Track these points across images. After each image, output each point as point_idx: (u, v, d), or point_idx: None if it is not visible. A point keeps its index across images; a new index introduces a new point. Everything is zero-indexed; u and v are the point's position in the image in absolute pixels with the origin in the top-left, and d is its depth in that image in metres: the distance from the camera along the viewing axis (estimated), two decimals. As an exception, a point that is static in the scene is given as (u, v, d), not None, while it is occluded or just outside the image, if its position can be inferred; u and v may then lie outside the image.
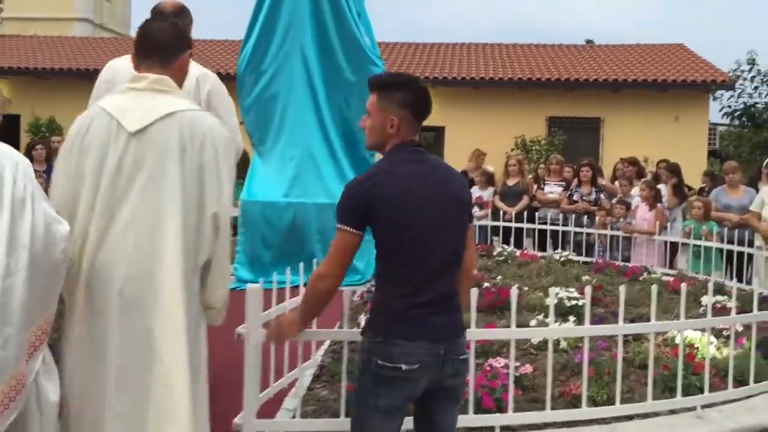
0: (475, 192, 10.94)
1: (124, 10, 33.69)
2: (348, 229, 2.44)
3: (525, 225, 9.34)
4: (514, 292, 3.68)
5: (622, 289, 3.86)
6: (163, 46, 2.65)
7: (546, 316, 5.05)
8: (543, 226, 9.38)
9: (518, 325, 5.07)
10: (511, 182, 10.42)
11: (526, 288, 6.40)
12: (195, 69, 3.53)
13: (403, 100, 2.51)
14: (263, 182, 6.51)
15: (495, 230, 10.16)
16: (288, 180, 6.38)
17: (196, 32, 4.03)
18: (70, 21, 29.55)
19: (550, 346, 3.69)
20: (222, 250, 2.61)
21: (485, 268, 7.59)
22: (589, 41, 29.13)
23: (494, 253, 8.40)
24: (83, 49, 22.11)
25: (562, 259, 8.33)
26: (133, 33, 2.50)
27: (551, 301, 5.43)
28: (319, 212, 6.30)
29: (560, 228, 9.32)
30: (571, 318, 4.98)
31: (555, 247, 9.10)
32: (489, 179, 10.89)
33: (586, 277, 6.99)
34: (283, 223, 6.31)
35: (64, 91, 17.78)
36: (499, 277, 6.62)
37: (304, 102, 6.42)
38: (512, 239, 9.46)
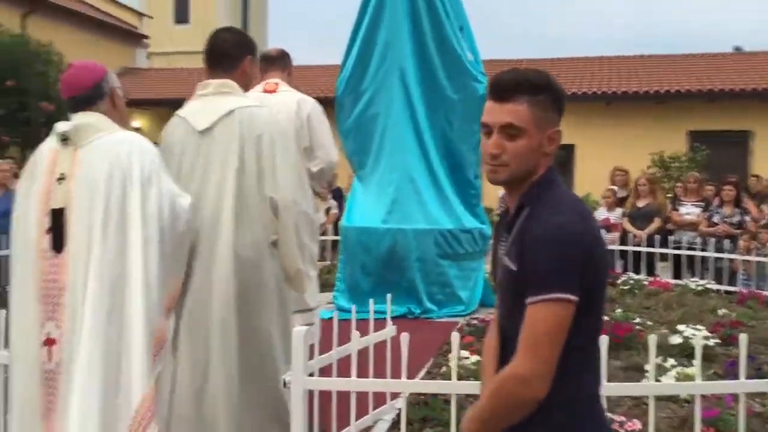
0: (602, 213, 10.22)
1: (262, 40, 35.13)
2: (566, 297, 1.60)
3: (657, 249, 8.54)
4: (652, 340, 3.05)
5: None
6: (226, 54, 3.01)
7: (666, 358, 4.43)
8: (678, 251, 8.53)
9: (631, 368, 4.54)
10: (641, 203, 9.58)
11: (650, 323, 5.73)
12: (295, 94, 4.19)
13: (558, 106, 1.73)
14: (362, 207, 6.26)
15: (624, 255, 9.41)
16: (387, 205, 6.09)
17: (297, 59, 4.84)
18: (212, 53, 31.12)
19: (652, 405, 3.01)
20: (284, 232, 2.87)
21: (607, 299, 6.93)
22: (737, 48, 27.04)
23: (619, 281, 7.68)
24: (220, 80, 23.09)
25: (698, 288, 7.50)
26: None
27: (674, 341, 4.85)
28: (419, 238, 5.96)
29: (698, 253, 8.42)
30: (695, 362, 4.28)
31: (692, 275, 8.24)
32: (618, 199, 10.13)
33: (724, 311, 6.18)
34: (381, 249, 6.02)
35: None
36: (618, 310, 5.97)
37: (403, 123, 6.13)
38: (643, 265, 8.67)
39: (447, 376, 4.12)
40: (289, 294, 3.01)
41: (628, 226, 9.53)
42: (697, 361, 3.02)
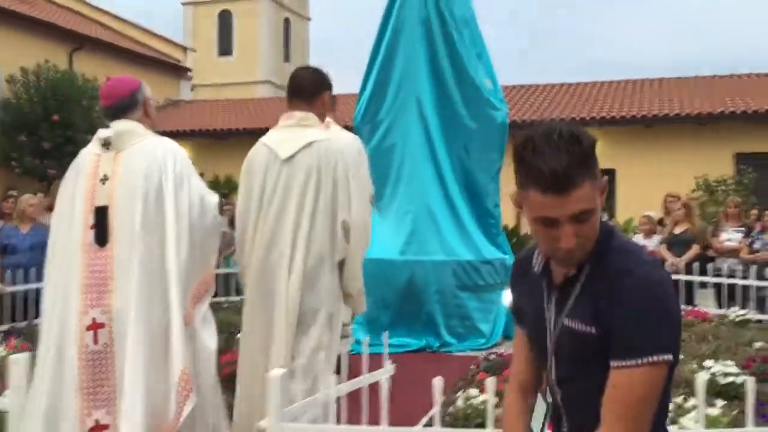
0: (639, 241, 9.93)
1: (304, 71, 35.55)
2: (665, 358, 1.44)
3: (694, 277, 8.22)
4: (701, 379, 2.84)
5: None
6: (306, 89, 3.37)
7: (687, 397, 4.20)
8: (717, 279, 8.20)
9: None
10: (678, 229, 9.26)
11: (681, 357, 5.47)
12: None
13: (594, 154, 1.55)
14: (380, 239, 6.14)
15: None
16: (404, 236, 5.99)
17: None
18: (255, 84, 31.68)
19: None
20: (354, 251, 3.27)
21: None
22: (787, 67, 26.28)
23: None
24: (261, 110, 23.42)
25: (738, 318, 7.17)
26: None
27: (702, 378, 4.59)
28: (438, 270, 5.84)
29: (737, 281, 8.08)
30: (719, 402, 4.05)
31: (733, 304, 7.90)
32: (654, 226, 9.83)
33: (761, 344, 5.87)
34: (400, 282, 5.90)
35: (241, 150, 18.76)
36: (646, 344, 5.71)
37: (420, 153, 6.04)
38: (682, 294, 8.35)
39: (455, 418, 3.97)
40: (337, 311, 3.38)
41: (666, 254, 9.23)
42: (699, 398, 2.80)
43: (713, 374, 4.48)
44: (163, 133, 3.33)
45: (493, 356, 5.06)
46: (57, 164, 17.62)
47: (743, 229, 9.05)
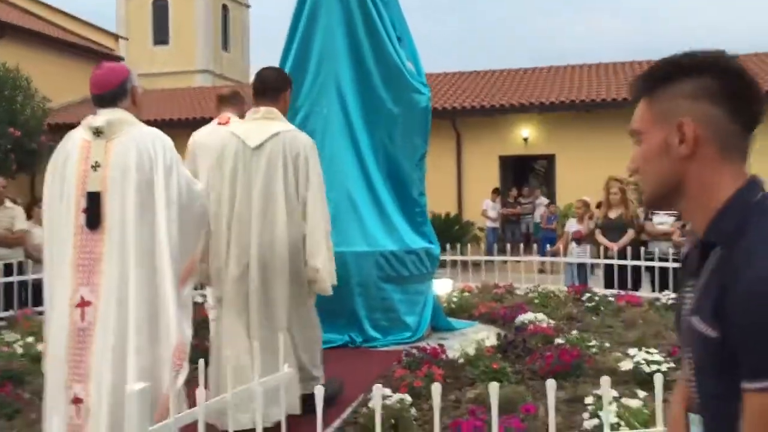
0: (573, 226, 9.87)
1: (243, 60, 34.86)
2: None
3: (626, 262, 8.17)
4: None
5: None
6: (271, 86, 3.85)
7: (616, 384, 4.03)
8: (649, 263, 8.16)
9: (576, 400, 4.13)
10: (613, 214, 9.20)
11: (608, 345, 5.34)
12: None
13: (702, 90, 1.25)
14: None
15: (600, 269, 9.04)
16: (324, 226, 5.69)
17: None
18: (193, 73, 30.87)
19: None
20: (309, 224, 3.64)
21: (568, 317, 6.53)
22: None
23: (584, 298, 7.29)
24: (198, 99, 22.79)
25: (670, 302, 7.11)
26: (251, 81, 4.11)
27: (626, 367, 4.45)
28: (359, 262, 5.55)
29: (669, 265, 8.05)
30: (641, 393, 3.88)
31: (664, 288, 7.86)
32: (589, 211, 9.77)
33: (689, 329, 5.78)
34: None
35: (179, 140, 18.16)
36: (574, 332, 5.57)
37: (340, 140, 5.74)
38: (615, 279, 8.29)
39: (364, 426, 3.71)
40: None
41: (601, 239, 9.16)
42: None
43: (637, 363, 4.33)
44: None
45: (414, 351, 4.83)
46: (-25, 158, 16.77)
47: (676, 212, 9.03)
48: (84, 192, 2.90)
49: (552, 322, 6.10)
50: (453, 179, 18.38)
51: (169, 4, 31.82)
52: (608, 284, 8.51)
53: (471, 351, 4.83)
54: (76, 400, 2.82)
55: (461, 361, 4.79)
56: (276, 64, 4.98)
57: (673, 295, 7.39)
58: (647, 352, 4.45)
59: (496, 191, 17.06)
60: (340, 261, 5.57)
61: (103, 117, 2.96)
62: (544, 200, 17.27)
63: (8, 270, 7.66)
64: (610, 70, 19.53)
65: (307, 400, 3.36)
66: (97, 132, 2.94)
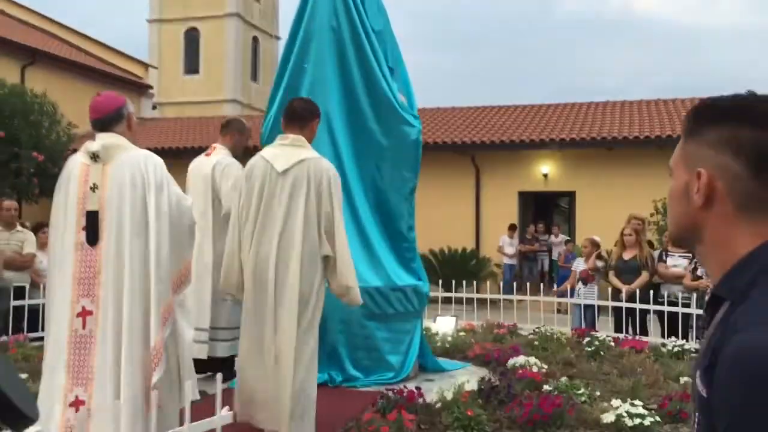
0: (580, 265, 9.58)
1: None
2: None
3: (635, 305, 7.87)
4: None
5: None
6: (299, 116, 4.19)
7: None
8: (657, 307, 7.86)
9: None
10: (627, 255, 8.91)
11: (598, 393, 5.07)
12: (215, 157, 5.55)
13: (724, 140, 1.13)
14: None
15: (608, 311, 8.72)
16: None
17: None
18: (221, 103, 31.20)
19: None
20: (338, 248, 3.98)
21: (565, 362, 6.26)
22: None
23: (584, 342, 7.01)
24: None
25: (675, 349, 6.81)
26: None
27: (607, 419, 4.20)
28: (342, 298, 5.37)
29: (679, 310, 7.73)
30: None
31: (673, 334, 7.55)
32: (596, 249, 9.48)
33: (688, 379, 5.49)
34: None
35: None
36: (563, 378, 5.31)
37: (327, 171, 5.60)
38: (627, 323, 8.00)
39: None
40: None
41: (614, 281, 8.88)
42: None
43: (619, 415, 4.08)
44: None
45: (390, 393, 4.62)
46: (1, 181, 17.00)
47: (689, 254, 8.72)
48: (84, 212, 3.18)
49: (545, 367, 5.85)
50: (471, 214, 18.15)
51: (200, 34, 32.33)
52: (618, 328, 8.22)
53: (449, 395, 4.61)
54: (77, 402, 3.06)
55: (438, 405, 4.57)
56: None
57: (680, 342, 7.08)
58: (632, 404, 4.19)
59: (512, 227, 16.80)
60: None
61: (99, 142, 3.25)
62: (562, 238, 16.96)
63: (7, 294, 7.63)
64: (634, 107, 19.25)
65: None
66: (94, 156, 3.22)
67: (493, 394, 4.85)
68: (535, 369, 5.68)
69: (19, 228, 8.18)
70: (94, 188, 3.19)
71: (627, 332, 7.98)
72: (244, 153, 5.60)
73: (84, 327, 3.09)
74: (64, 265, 3.17)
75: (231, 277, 4.07)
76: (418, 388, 4.73)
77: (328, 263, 3.98)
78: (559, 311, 10.45)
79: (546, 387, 5.11)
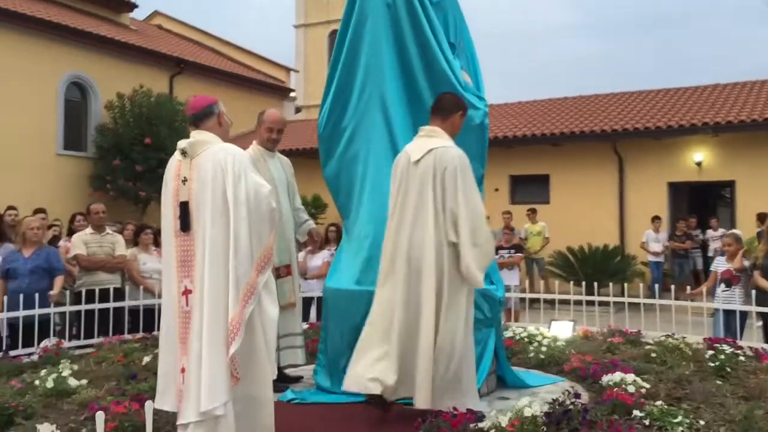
0: (721, 264, 8.30)
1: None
2: None
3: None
4: None
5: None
6: (443, 108, 4.49)
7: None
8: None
9: None
10: (777, 253, 7.63)
11: (702, 422, 4.15)
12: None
13: None
14: (341, 264, 5.24)
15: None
16: (361, 263, 5.02)
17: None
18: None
19: None
20: (463, 236, 4.17)
21: (677, 380, 5.28)
22: None
23: (707, 355, 5.95)
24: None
25: (827, 366, 5.60)
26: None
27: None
28: (400, 305, 4.81)
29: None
30: None
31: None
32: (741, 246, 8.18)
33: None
34: (355, 317, 4.91)
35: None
36: (659, 402, 4.39)
37: (383, 163, 5.04)
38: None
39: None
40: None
41: (761, 281, 7.63)
42: None
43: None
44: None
45: (434, 419, 3.97)
46: (149, 186, 17.96)
47: None
48: (177, 203, 3.55)
49: (647, 386, 4.94)
50: (614, 208, 16.79)
51: (344, 36, 32.71)
52: (768, 338, 7.01)
53: (504, 421, 3.91)
54: (183, 370, 3.45)
55: (492, 432, 3.89)
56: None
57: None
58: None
59: (656, 219, 15.27)
60: (376, 302, 4.89)
61: (187, 140, 3.61)
62: (722, 231, 15.18)
63: (105, 296, 7.76)
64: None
65: None
66: (183, 152, 3.57)
67: (564, 420, 4.08)
68: (631, 389, 4.80)
69: (108, 231, 8.34)
70: (184, 181, 3.54)
71: (774, 343, 6.77)
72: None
73: (187, 304, 3.49)
74: (170, 250, 3.60)
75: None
76: (470, 411, 4.07)
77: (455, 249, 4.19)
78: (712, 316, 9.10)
79: (636, 412, 4.26)
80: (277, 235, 5.08)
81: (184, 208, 3.52)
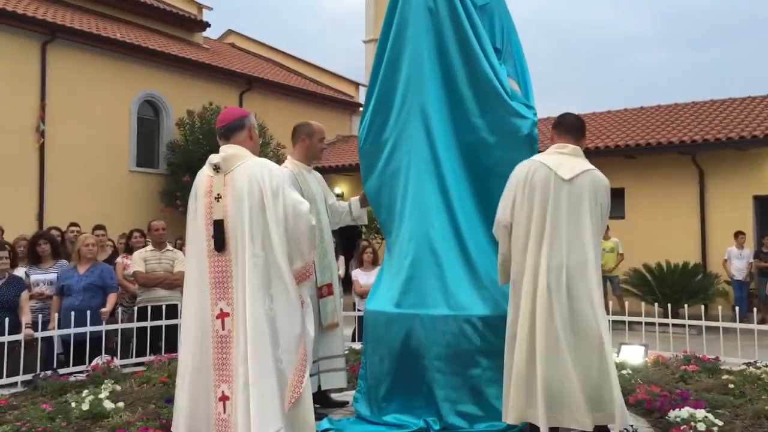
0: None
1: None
2: None
3: None
4: None
5: None
6: (576, 128, 4.33)
7: None
8: None
9: None
10: None
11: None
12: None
13: None
14: (381, 285, 4.93)
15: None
16: (401, 284, 4.69)
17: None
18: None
19: None
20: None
21: (756, 416, 4.72)
22: None
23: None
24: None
25: None
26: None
27: None
28: (440, 328, 4.45)
29: None
30: None
31: None
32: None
33: None
34: (395, 342, 4.61)
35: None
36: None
37: (425, 179, 4.72)
38: None
39: None
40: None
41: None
42: None
43: None
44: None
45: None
46: (217, 202, 18.12)
47: None
48: (211, 221, 3.40)
49: (720, 423, 4.43)
50: (695, 223, 15.89)
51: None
52: None
53: (550, 463, 3.52)
54: (224, 398, 3.27)
55: (533, 476, 3.50)
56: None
57: None
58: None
59: (740, 235, 14.33)
60: (417, 326, 4.58)
61: (220, 155, 3.47)
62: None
63: (158, 313, 7.69)
64: None
65: None
66: (216, 168, 3.44)
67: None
68: (701, 426, 4.31)
69: (168, 247, 8.29)
70: (218, 198, 3.39)
71: None
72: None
73: (223, 328, 3.32)
74: (201, 271, 3.40)
75: (503, 280, 4.26)
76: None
77: None
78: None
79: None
80: (318, 253, 4.86)
81: (219, 227, 3.37)
